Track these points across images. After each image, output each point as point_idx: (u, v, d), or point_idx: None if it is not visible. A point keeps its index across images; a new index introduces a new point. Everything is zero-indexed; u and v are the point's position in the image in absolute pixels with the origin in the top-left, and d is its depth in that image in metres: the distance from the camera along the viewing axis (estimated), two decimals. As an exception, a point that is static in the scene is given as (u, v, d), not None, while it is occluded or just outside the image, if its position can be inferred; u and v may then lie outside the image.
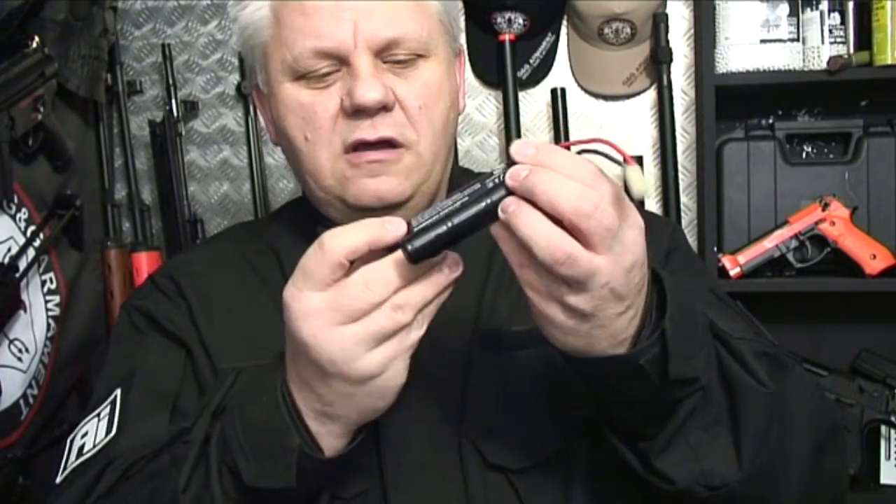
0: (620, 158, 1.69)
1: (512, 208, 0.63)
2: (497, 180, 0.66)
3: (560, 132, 1.72)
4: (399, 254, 0.67)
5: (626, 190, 1.67)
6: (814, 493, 0.81)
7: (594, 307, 0.65)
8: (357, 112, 0.85)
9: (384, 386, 0.70)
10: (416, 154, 0.89)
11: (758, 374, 0.75)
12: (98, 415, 0.89)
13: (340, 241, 0.67)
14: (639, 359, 0.69)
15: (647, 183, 0.69)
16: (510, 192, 0.65)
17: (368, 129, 0.86)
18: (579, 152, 0.64)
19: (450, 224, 0.66)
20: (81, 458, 0.85)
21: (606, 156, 0.71)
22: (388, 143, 0.87)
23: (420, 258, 0.67)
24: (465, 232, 0.67)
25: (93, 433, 0.87)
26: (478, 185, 0.67)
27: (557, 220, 0.63)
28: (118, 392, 0.89)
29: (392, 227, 0.67)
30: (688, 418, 0.73)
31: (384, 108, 0.86)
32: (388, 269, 0.67)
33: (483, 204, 0.66)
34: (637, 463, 0.76)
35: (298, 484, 0.72)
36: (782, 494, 0.78)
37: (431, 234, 0.66)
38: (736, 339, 0.77)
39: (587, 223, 0.62)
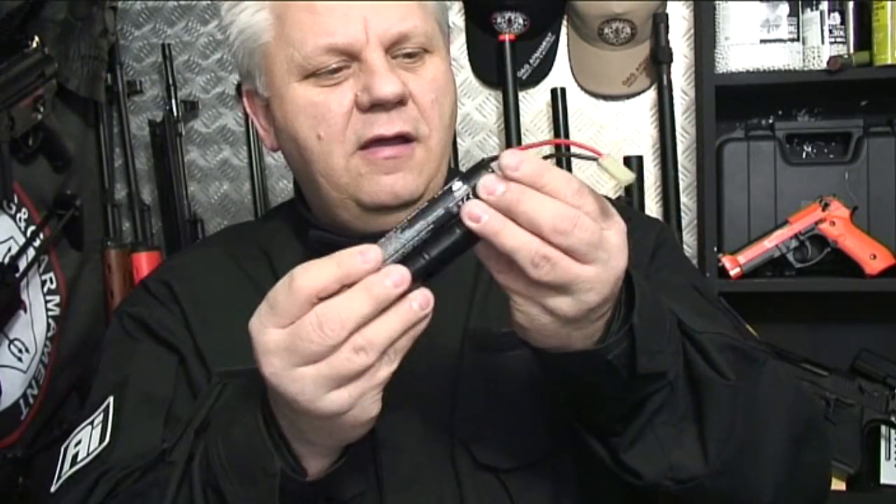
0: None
1: (485, 218, 0.62)
2: (461, 203, 0.64)
3: (560, 132, 1.72)
4: (357, 288, 0.62)
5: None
6: (793, 487, 0.81)
7: (578, 311, 0.65)
8: (374, 107, 0.85)
9: (355, 420, 0.66)
10: (427, 149, 0.89)
11: (720, 367, 0.76)
12: (91, 423, 0.88)
13: (310, 278, 0.63)
14: (607, 354, 0.69)
15: (625, 169, 0.67)
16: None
17: (386, 125, 0.86)
18: (547, 157, 0.65)
19: (427, 257, 0.64)
20: (75, 467, 0.85)
21: (578, 156, 0.70)
22: (402, 138, 0.87)
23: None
24: (444, 263, 0.65)
25: (86, 441, 0.86)
26: (441, 211, 0.65)
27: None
28: (111, 399, 0.89)
29: (366, 259, 0.63)
30: (655, 414, 0.74)
31: (400, 102, 0.86)
32: (344, 307, 0.62)
33: (458, 232, 0.64)
34: (607, 457, 0.77)
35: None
36: (756, 489, 0.78)
37: (412, 268, 0.64)
38: (699, 333, 0.77)
39: (567, 240, 0.62)
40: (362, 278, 0.62)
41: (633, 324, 0.69)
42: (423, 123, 0.88)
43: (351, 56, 0.86)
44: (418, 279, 0.65)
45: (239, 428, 0.72)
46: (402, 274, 0.63)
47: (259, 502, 0.71)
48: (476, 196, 0.64)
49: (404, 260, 0.65)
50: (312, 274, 0.63)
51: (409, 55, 0.88)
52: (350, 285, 0.63)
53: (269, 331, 0.64)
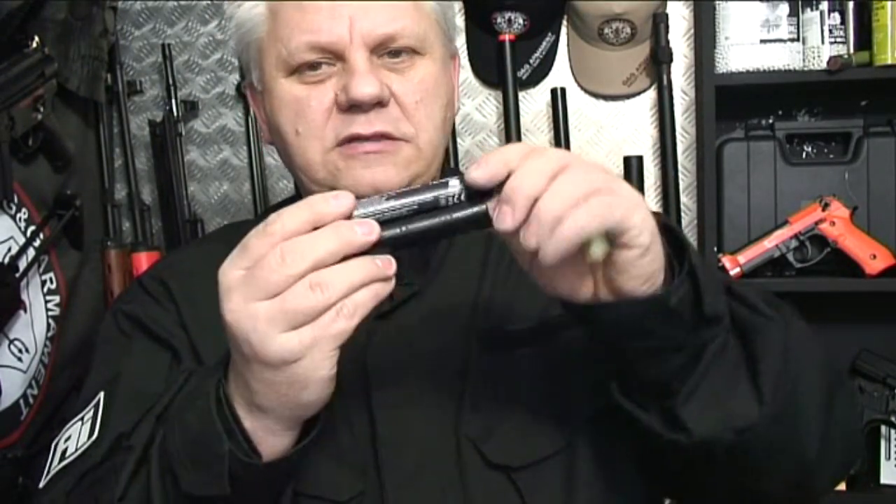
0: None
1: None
2: (451, 199, 0.68)
3: (560, 132, 1.72)
4: (326, 228, 0.65)
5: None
6: (829, 445, 0.80)
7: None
8: (352, 107, 0.86)
9: (303, 375, 0.66)
10: (416, 147, 0.89)
11: (764, 310, 0.77)
12: (81, 419, 0.88)
13: (283, 220, 0.65)
14: (669, 298, 0.70)
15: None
16: (483, 214, 0.67)
17: (364, 125, 0.86)
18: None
19: (403, 230, 0.67)
20: (63, 463, 0.85)
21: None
22: (383, 137, 0.87)
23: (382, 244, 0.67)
24: (414, 242, 0.68)
25: (76, 437, 0.86)
26: (430, 197, 0.68)
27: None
28: (101, 395, 0.89)
29: (340, 204, 0.66)
30: (710, 364, 0.74)
31: (379, 103, 0.86)
32: (308, 241, 0.64)
33: (439, 220, 0.67)
34: (660, 423, 0.75)
35: (240, 491, 0.71)
36: (804, 438, 0.78)
37: (397, 229, 0.67)
38: (734, 283, 0.79)
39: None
40: (331, 220, 0.65)
41: (693, 265, 0.71)
42: (407, 124, 0.88)
43: (335, 55, 0.87)
44: (386, 246, 0.66)
45: (193, 411, 0.72)
46: (371, 226, 0.65)
47: (210, 487, 0.70)
48: (469, 197, 0.67)
49: (380, 224, 0.66)
50: (285, 217, 0.66)
51: (395, 56, 0.88)
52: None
53: (234, 270, 0.66)
